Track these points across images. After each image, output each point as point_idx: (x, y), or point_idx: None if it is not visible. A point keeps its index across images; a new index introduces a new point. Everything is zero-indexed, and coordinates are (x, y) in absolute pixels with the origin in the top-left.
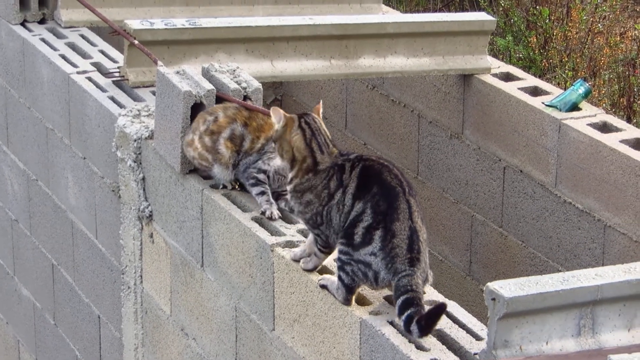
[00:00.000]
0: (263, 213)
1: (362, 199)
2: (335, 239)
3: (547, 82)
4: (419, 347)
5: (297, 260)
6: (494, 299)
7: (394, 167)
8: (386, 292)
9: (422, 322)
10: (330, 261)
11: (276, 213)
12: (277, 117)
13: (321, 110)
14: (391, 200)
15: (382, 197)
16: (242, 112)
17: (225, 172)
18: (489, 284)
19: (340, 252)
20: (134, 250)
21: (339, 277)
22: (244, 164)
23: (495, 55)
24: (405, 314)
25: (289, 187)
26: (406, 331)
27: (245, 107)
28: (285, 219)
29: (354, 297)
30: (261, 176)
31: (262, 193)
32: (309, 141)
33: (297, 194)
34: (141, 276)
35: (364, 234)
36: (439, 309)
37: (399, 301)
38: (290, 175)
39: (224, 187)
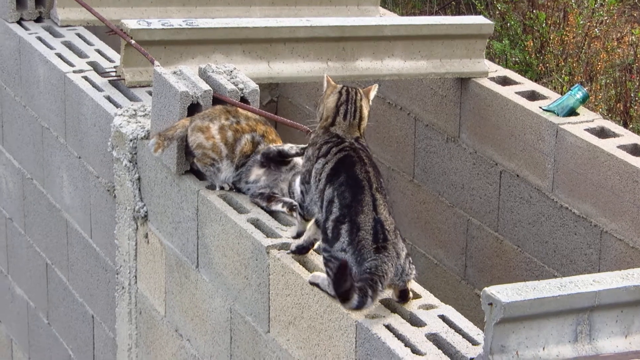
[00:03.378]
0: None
1: (332, 185)
2: (310, 206)
3: (544, 86)
4: (415, 351)
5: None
6: (491, 304)
7: (369, 163)
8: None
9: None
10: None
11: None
12: (324, 82)
13: (372, 92)
14: (355, 192)
15: (348, 188)
16: (260, 125)
17: (230, 170)
18: (486, 288)
19: (322, 249)
20: (128, 251)
21: (327, 273)
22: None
23: (491, 59)
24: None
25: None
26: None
27: (242, 109)
28: (282, 221)
29: None
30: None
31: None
32: (339, 104)
33: (308, 146)
34: (136, 276)
35: (333, 228)
36: (343, 268)
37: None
38: (315, 130)
39: (222, 188)
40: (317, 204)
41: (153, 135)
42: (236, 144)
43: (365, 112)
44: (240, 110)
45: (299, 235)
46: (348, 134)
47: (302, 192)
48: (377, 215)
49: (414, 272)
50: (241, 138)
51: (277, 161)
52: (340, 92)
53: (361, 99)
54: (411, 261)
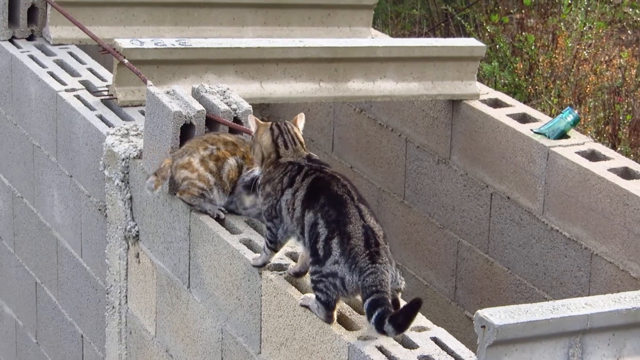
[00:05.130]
0: None
1: (311, 209)
2: (284, 237)
3: (533, 108)
4: None
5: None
6: (483, 326)
7: (343, 179)
8: None
9: (399, 319)
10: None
11: None
12: (252, 124)
13: (300, 121)
14: (340, 207)
15: (331, 206)
16: (239, 148)
17: (222, 195)
18: (479, 311)
19: (311, 272)
20: (119, 270)
21: (316, 297)
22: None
23: (480, 81)
24: (374, 315)
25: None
26: (380, 332)
27: (236, 130)
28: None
29: (335, 314)
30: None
31: None
32: (275, 138)
33: (261, 187)
34: (126, 296)
35: (324, 247)
36: (416, 305)
37: (366, 304)
38: (261, 171)
39: (218, 217)
40: (295, 233)
41: (149, 175)
42: (221, 172)
43: (301, 137)
44: (217, 136)
45: (264, 264)
46: (299, 157)
47: (269, 228)
48: (366, 223)
49: (403, 282)
50: (224, 165)
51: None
52: (271, 129)
53: (293, 128)
54: (400, 272)
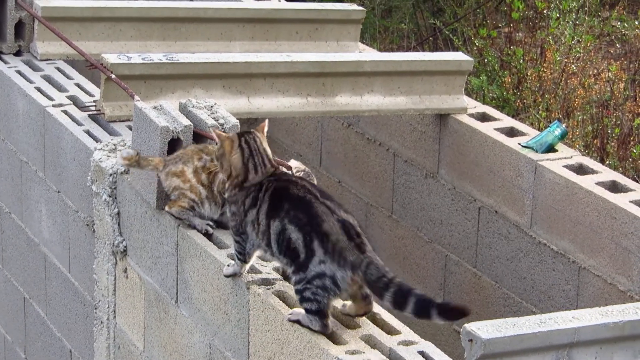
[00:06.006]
0: None
1: (277, 218)
2: (252, 250)
3: (521, 122)
4: None
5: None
6: (471, 340)
7: (302, 181)
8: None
9: (449, 312)
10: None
11: None
12: (218, 139)
13: (266, 129)
14: (306, 208)
15: (297, 210)
16: None
17: (215, 209)
18: (466, 325)
19: (295, 282)
20: (107, 285)
21: (306, 310)
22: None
23: (469, 95)
24: (412, 301)
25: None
26: (420, 318)
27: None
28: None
29: (329, 322)
30: None
31: None
32: (246, 160)
33: (229, 204)
34: (114, 311)
35: (305, 251)
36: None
37: (389, 296)
38: (226, 187)
39: (206, 232)
40: (261, 245)
41: (132, 149)
42: (213, 185)
43: (269, 150)
44: (213, 147)
45: (234, 274)
46: (264, 177)
47: (237, 242)
48: (339, 217)
49: None
50: (215, 178)
51: None
52: (241, 147)
53: (262, 142)
54: None
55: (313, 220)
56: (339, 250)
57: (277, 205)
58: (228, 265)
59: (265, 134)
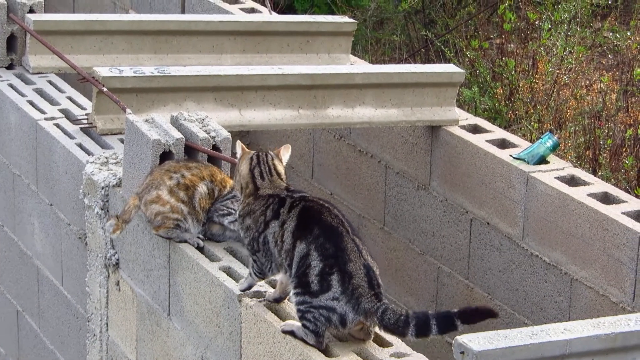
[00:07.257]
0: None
1: (303, 240)
2: (271, 269)
3: (513, 133)
4: None
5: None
6: (463, 352)
7: (334, 208)
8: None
9: (468, 313)
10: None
11: None
12: (238, 150)
13: (285, 153)
14: (337, 241)
15: (326, 239)
16: (204, 170)
17: (197, 225)
18: (458, 337)
19: (298, 302)
20: (100, 298)
21: (304, 326)
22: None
23: (460, 106)
24: (433, 325)
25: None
26: (444, 332)
27: (215, 158)
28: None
29: (325, 339)
30: (231, 207)
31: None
32: (252, 168)
33: (240, 219)
34: (107, 324)
35: (320, 281)
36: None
37: (412, 330)
38: (240, 201)
39: (198, 245)
40: (283, 265)
41: (111, 217)
42: (193, 201)
43: (280, 169)
44: (177, 163)
45: (250, 287)
46: (277, 189)
47: (254, 261)
48: (366, 262)
49: None
50: (195, 194)
51: None
52: (251, 158)
53: (272, 159)
54: None
55: (339, 255)
56: (357, 295)
57: (306, 227)
58: (241, 282)
59: (285, 158)
